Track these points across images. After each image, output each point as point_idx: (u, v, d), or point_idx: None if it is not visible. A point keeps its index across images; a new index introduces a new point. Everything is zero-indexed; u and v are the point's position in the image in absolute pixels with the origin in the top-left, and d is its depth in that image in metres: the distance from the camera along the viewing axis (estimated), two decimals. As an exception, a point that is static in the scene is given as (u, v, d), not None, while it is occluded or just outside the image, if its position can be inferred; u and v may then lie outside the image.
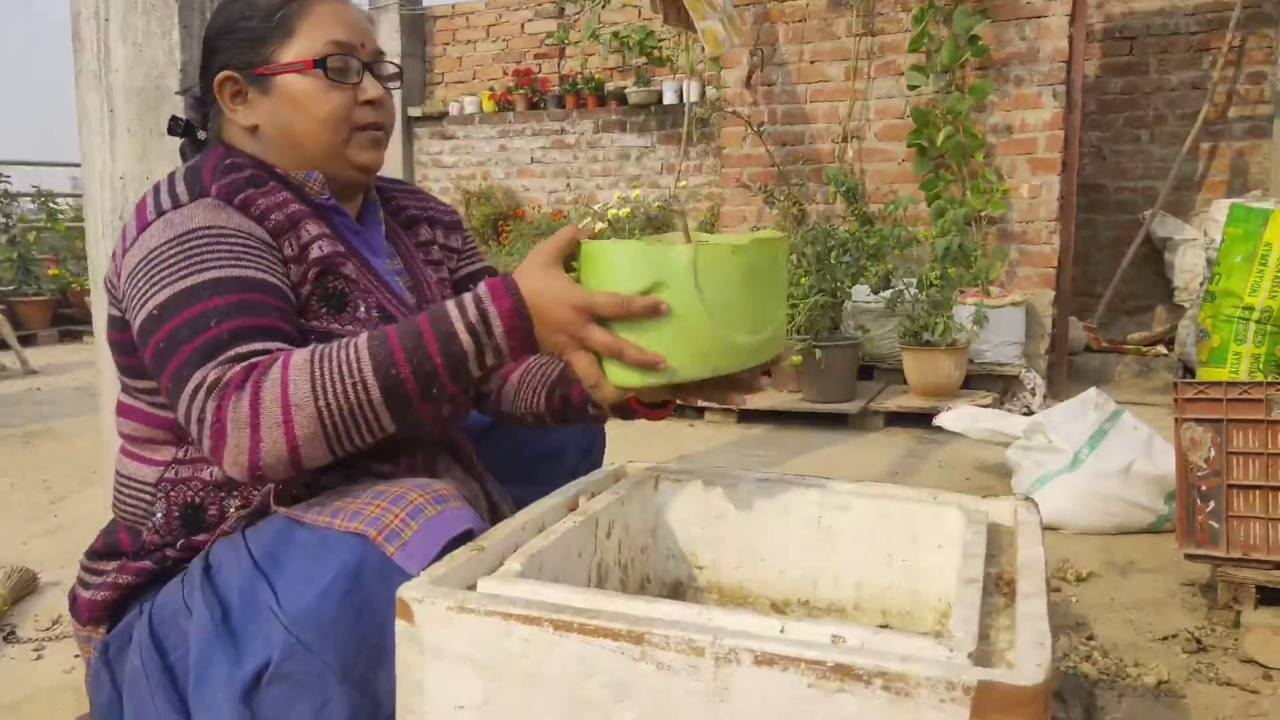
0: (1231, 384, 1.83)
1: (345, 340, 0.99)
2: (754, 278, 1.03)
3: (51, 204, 7.60)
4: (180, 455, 1.14)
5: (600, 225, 5.70)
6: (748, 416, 3.83)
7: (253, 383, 0.95)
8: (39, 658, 1.79)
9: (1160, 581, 2.09)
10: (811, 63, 4.57)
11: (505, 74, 7.38)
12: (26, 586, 2.09)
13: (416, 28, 7.66)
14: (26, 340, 6.42)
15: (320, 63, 1.16)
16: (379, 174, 1.30)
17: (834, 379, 3.72)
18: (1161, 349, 4.73)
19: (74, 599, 1.22)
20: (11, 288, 6.86)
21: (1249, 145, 5.08)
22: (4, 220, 6.99)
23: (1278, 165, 4.80)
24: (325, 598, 0.94)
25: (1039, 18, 4.09)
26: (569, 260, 1.05)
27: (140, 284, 1.04)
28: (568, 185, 7.05)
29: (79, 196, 8.99)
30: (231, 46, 1.19)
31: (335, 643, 0.93)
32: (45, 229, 7.46)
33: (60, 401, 4.59)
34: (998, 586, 0.94)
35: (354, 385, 0.97)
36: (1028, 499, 1.16)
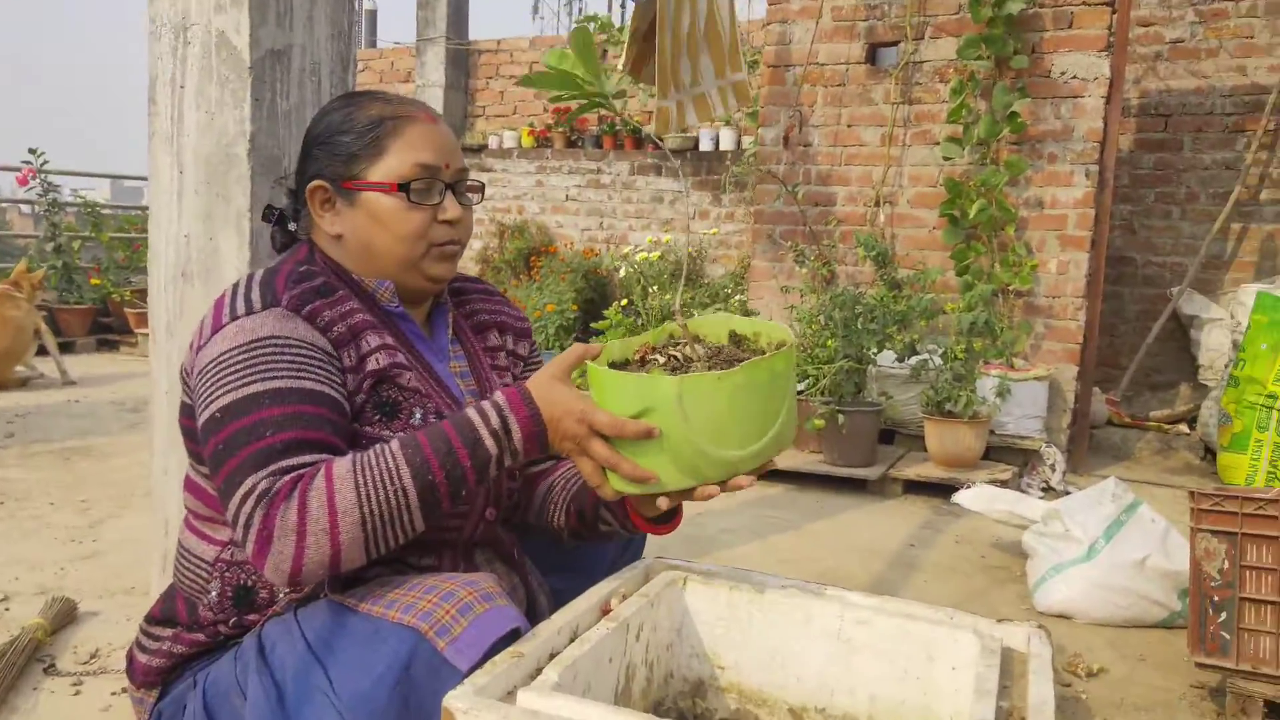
0: (1248, 497, 1.86)
1: (380, 448, 1.08)
2: (744, 397, 1.09)
3: (96, 214, 7.77)
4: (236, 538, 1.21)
5: (625, 270, 5.78)
6: (767, 475, 3.86)
7: (300, 493, 1.03)
8: (77, 693, 1.85)
9: (1170, 681, 2.12)
10: (849, 126, 4.64)
11: (545, 110, 7.52)
12: (66, 617, 2.16)
13: (460, 60, 7.82)
14: (65, 348, 6.57)
15: (404, 186, 1.24)
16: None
17: (855, 443, 3.76)
18: (1184, 428, 4.74)
19: (130, 659, 1.29)
20: (55, 296, 7.02)
21: (1279, 229, 5.10)
22: (51, 229, 7.16)
23: (1308, 251, 4.82)
24: (378, 686, 1.00)
25: (1075, 98, 4.15)
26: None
27: (209, 384, 1.12)
28: (600, 224, 7.16)
29: (123, 208, 9.19)
30: (325, 157, 1.27)
31: None
32: (89, 238, 7.64)
33: (98, 415, 4.69)
34: (1008, 725, 0.99)
35: (395, 492, 1.06)
36: (1041, 627, 1.21)
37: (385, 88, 8.21)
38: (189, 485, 1.28)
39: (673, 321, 1.26)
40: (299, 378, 1.12)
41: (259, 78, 1.89)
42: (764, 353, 1.18)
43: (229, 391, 1.10)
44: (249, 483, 1.04)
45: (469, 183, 1.34)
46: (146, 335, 6.64)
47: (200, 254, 1.93)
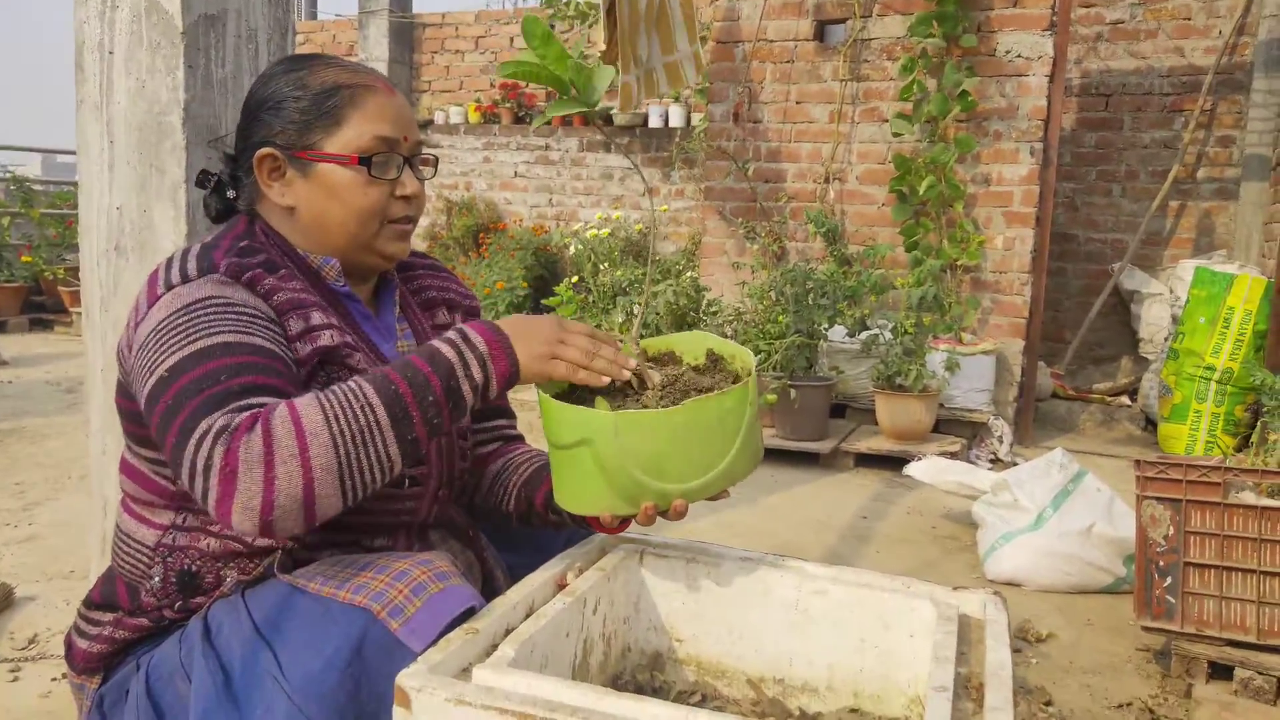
0: (1191, 465, 1.90)
1: (349, 382, 1.03)
2: (686, 434, 1.08)
3: (26, 190, 7.51)
4: (179, 522, 1.16)
5: (576, 247, 5.73)
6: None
7: (263, 421, 0.95)
8: (15, 679, 1.79)
9: (1117, 645, 2.16)
10: (798, 103, 4.64)
11: (492, 86, 7.42)
12: (2, 601, 2.09)
13: (405, 34, 7.67)
14: (-5, 329, 6.36)
15: (365, 160, 1.19)
16: None
17: (807, 418, 3.78)
18: (1125, 399, 4.85)
19: (69, 645, 1.23)
20: (-17, 274, 6.78)
21: (1216, 206, 5.22)
22: (-23, 206, 6.91)
23: (1243, 227, 4.95)
24: (328, 668, 0.96)
25: (1020, 76, 4.19)
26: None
27: (150, 352, 1.06)
28: (550, 201, 7.09)
29: (55, 184, 8.89)
30: (275, 123, 1.20)
31: (335, 714, 0.96)
32: (20, 215, 7.37)
33: (32, 396, 4.55)
34: (966, 690, 0.99)
35: (362, 408, 0.99)
36: (996, 593, 1.21)
37: (327, 62, 8.03)
38: (125, 468, 1.22)
39: (653, 338, 1.24)
40: (246, 333, 1.07)
41: (192, 43, 1.82)
42: (736, 377, 1.17)
43: (174, 352, 1.04)
44: (204, 424, 0.96)
45: (423, 156, 1.29)
46: (81, 314, 6.45)
47: (134, 227, 1.86)
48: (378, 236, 1.23)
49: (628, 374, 1.14)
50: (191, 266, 1.12)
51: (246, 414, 0.97)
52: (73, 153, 8.62)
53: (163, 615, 1.16)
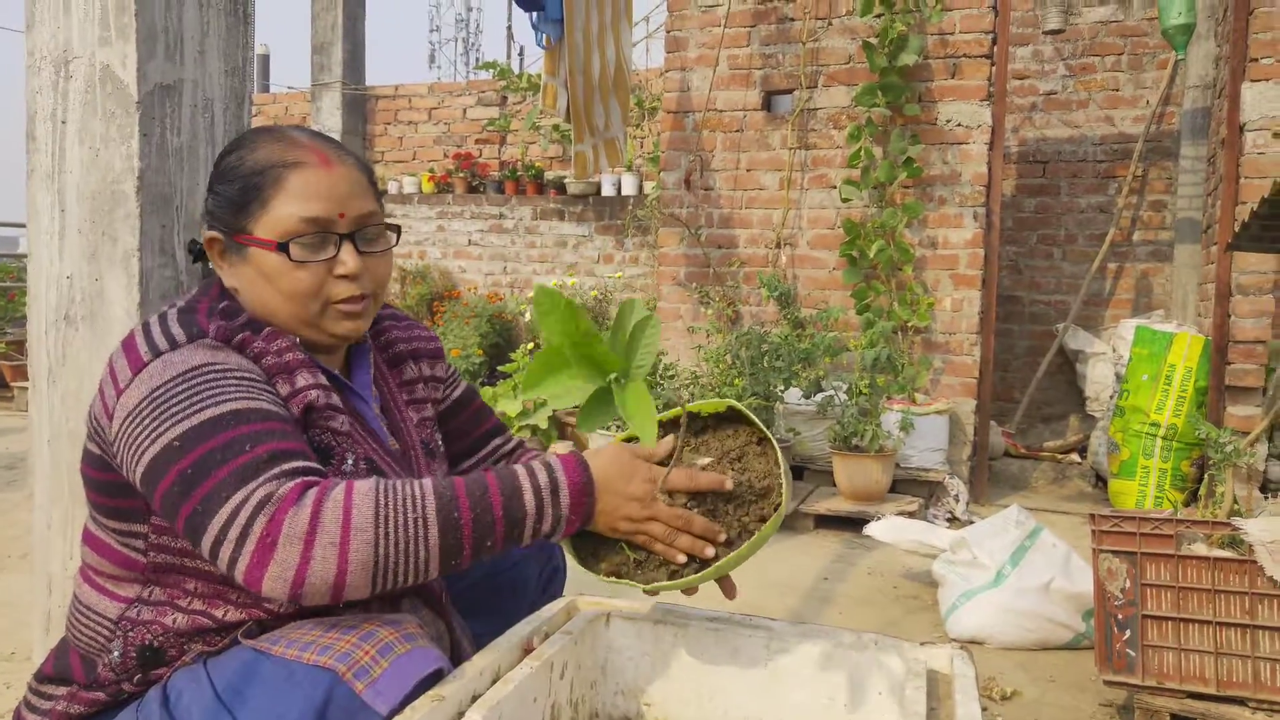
0: (1144, 518, 1.93)
1: (410, 479, 1.03)
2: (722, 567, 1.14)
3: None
4: (145, 595, 1.12)
5: (531, 314, 5.74)
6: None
7: (314, 500, 0.96)
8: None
9: (1080, 701, 2.17)
10: (748, 171, 4.75)
11: (445, 156, 7.49)
12: (-71, 693, 1.99)
13: (358, 106, 7.73)
14: (-71, 407, 6.15)
15: (284, 246, 1.14)
16: None
17: (765, 481, 3.78)
18: (1075, 457, 4.94)
19: (19, 720, 1.18)
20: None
21: (1152, 267, 5.41)
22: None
23: (1178, 288, 5.12)
24: None
25: (961, 144, 4.34)
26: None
27: (148, 422, 1.02)
28: (504, 269, 7.12)
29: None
30: (215, 206, 1.19)
31: None
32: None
33: (-35, 477, 4.39)
34: (940, 746, 0.99)
35: (416, 520, 0.99)
36: (963, 648, 1.21)
37: (280, 134, 8.04)
38: (89, 539, 1.17)
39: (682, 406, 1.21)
40: (252, 399, 1.05)
41: (147, 113, 1.82)
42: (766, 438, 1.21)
43: (180, 421, 1.01)
44: (240, 495, 0.96)
45: (379, 225, 1.22)
46: (24, 388, 6.27)
47: (85, 296, 1.83)
48: (322, 317, 1.18)
49: (710, 551, 1.13)
50: (177, 331, 1.10)
51: (292, 484, 0.97)
52: (14, 225, 8.49)
53: (120, 689, 1.11)
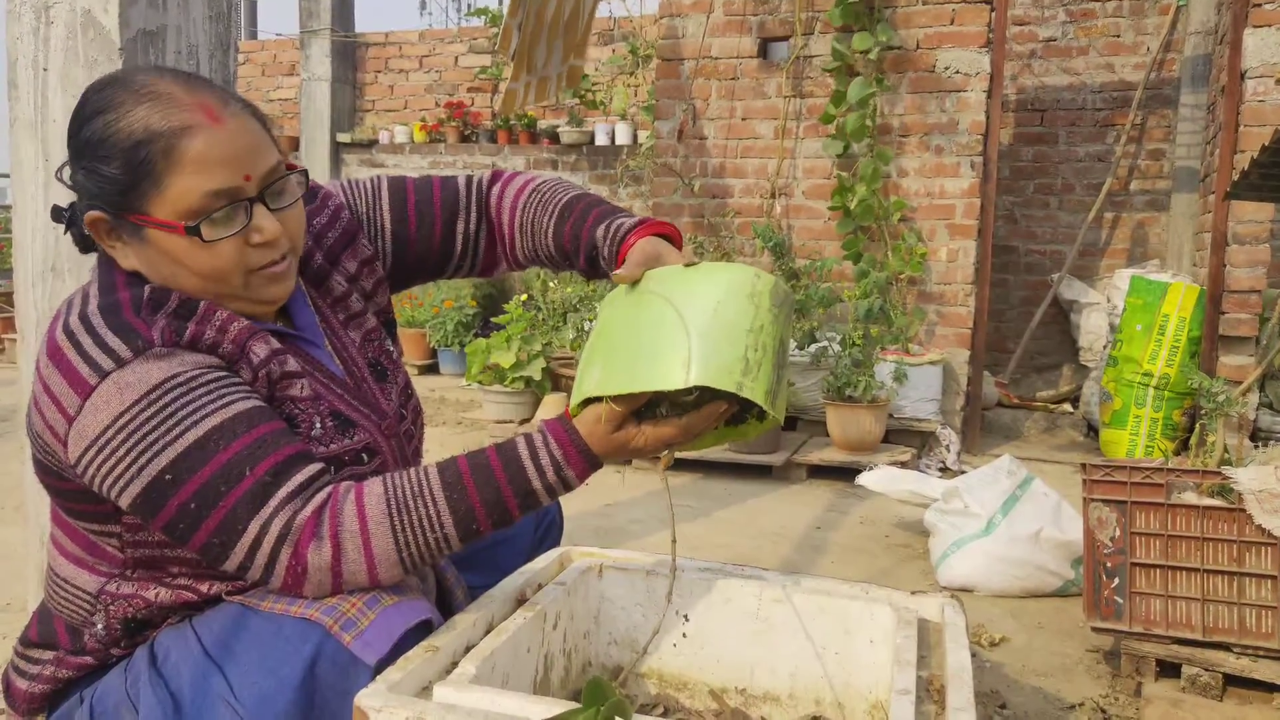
0: (1135, 467, 1.94)
1: (418, 485, 1.04)
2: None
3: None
4: (126, 572, 1.10)
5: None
6: (674, 465, 3.87)
7: (331, 534, 0.99)
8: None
9: (1068, 647, 2.20)
10: (743, 119, 4.69)
11: (437, 105, 7.38)
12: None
13: (348, 54, 7.60)
14: (-80, 360, 6.13)
15: (193, 228, 1.02)
16: None
17: (759, 431, 3.80)
18: (1068, 407, 4.96)
19: (8, 685, 1.18)
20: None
21: (1149, 217, 5.38)
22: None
23: (1174, 238, 5.10)
24: (282, 688, 0.94)
25: (959, 91, 4.28)
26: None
27: (121, 454, 0.97)
28: (497, 220, 7.06)
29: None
30: (93, 185, 1.03)
31: None
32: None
33: (-42, 430, 4.39)
34: (929, 693, 1.00)
35: (436, 540, 1.04)
36: (954, 597, 1.22)
37: (268, 82, 7.92)
38: (60, 522, 1.14)
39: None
40: (228, 405, 1.00)
41: (130, 59, 1.78)
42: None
43: (161, 451, 0.97)
44: (254, 527, 0.98)
45: (284, 177, 1.09)
46: (13, 340, 6.24)
47: (71, 247, 1.80)
48: (246, 288, 1.09)
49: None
50: (115, 343, 0.99)
51: (307, 514, 0.99)
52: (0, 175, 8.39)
53: (109, 654, 1.12)
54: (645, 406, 1.07)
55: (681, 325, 1.03)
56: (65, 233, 1.14)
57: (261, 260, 1.08)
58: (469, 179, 1.36)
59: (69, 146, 1.07)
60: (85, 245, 1.12)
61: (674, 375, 1.00)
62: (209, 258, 1.04)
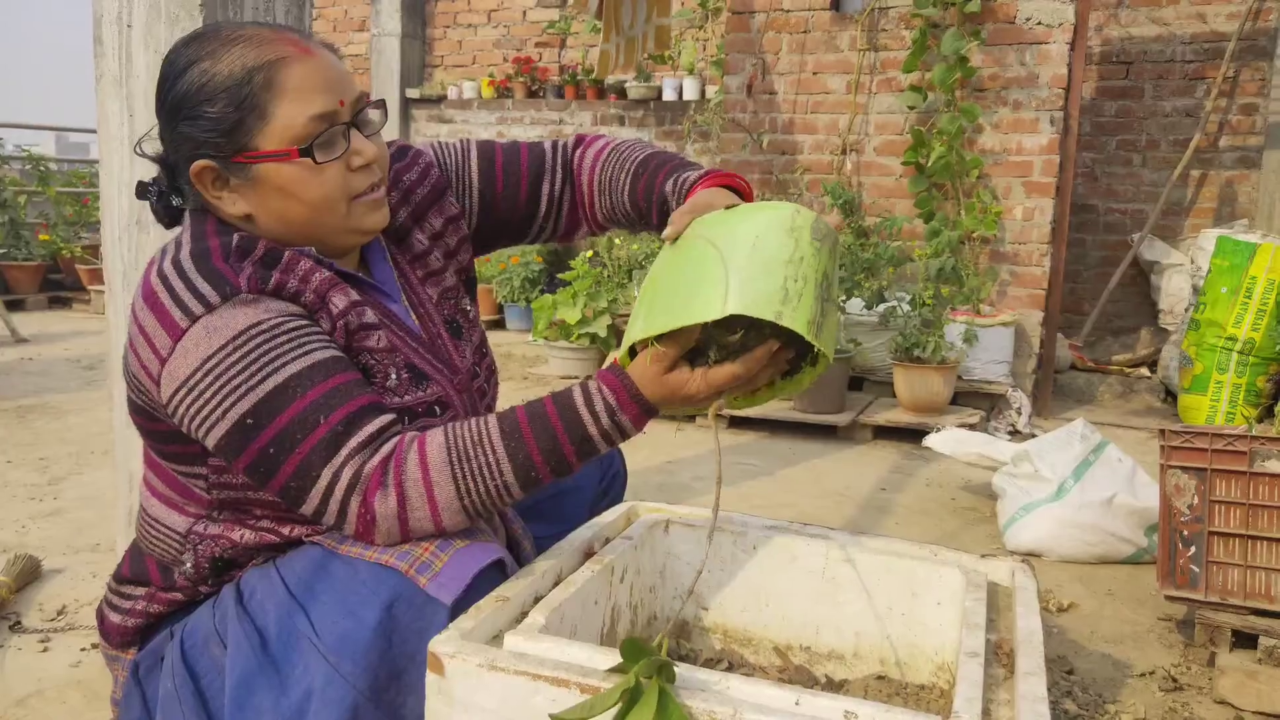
0: (1217, 434, 1.88)
1: (478, 434, 1.05)
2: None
3: (42, 168, 7.52)
4: (213, 514, 1.15)
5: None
6: (738, 423, 3.88)
7: (395, 483, 1.02)
8: (45, 650, 1.81)
9: (1139, 615, 2.16)
10: (814, 74, 4.59)
11: (505, 60, 7.37)
12: (30, 574, 2.11)
13: (417, 8, 7.62)
14: (15, 305, 6.39)
15: (306, 150, 1.08)
16: None
17: (825, 390, 3.77)
18: (1145, 371, 4.82)
19: (102, 619, 1.25)
20: (1, 252, 6.80)
21: (1238, 175, 5.15)
22: (-5, 183, 6.93)
23: (1265, 196, 4.88)
24: (360, 627, 0.98)
25: (1040, 44, 4.13)
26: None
27: (208, 396, 1.02)
28: (563, 176, 7.06)
29: (70, 162, 8.91)
30: (198, 132, 1.08)
31: (369, 671, 0.98)
32: (36, 193, 7.40)
33: (53, 373, 4.58)
34: (997, 656, 0.99)
35: (497, 488, 1.06)
36: (1025, 561, 1.21)
37: (339, 38, 7.99)
38: (151, 463, 1.20)
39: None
40: (308, 353, 1.04)
41: (210, 14, 1.81)
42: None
43: (245, 395, 1.01)
44: (328, 474, 1.02)
45: (367, 108, 1.15)
46: (100, 292, 6.47)
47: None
48: (349, 217, 1.14)
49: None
50: (206, 289, 1.04)
51: (375, 462, 1.02)
52: (86, 130, 8.63)
53: (197, 591, 1.17)
54: (695, 353, 1.07)
55: (720, 261, 1.03)
56: (153, 204, 1.18)
57: (362, 184, 1.14)
58: (554, 143, 1.39)
59: (162, 109, 1.10)
60: (171, 218, 1.19)
61: (712, 307, 1.00)
62: (319, 184, 1.10)
